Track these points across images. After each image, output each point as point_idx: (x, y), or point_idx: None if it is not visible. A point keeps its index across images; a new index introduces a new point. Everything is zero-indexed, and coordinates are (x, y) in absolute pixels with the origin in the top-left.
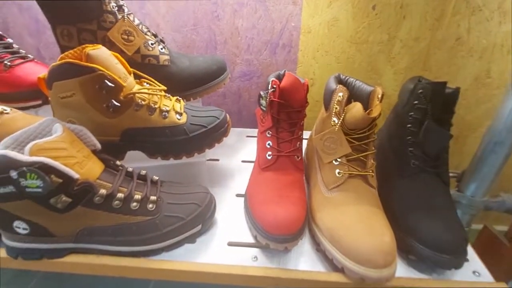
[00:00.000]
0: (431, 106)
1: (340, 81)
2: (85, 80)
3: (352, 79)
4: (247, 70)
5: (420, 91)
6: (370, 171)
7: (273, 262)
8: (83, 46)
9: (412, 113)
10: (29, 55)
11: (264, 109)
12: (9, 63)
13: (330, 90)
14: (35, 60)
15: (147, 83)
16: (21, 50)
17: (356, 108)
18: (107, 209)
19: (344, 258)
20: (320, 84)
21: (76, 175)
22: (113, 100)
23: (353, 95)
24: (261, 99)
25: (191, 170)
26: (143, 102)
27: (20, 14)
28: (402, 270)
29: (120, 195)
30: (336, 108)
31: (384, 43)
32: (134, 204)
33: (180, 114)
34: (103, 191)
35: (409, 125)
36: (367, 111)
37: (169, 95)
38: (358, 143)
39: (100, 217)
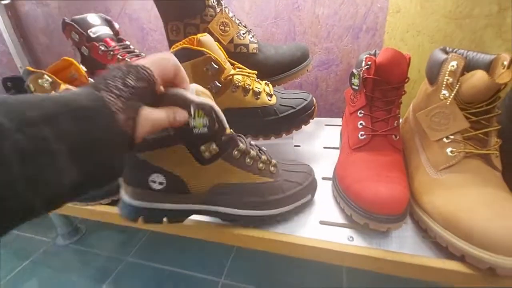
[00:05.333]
0: None
1: (447, 53)
2: (196, 63)
3: (462, 50)
4: (326, 58)
5: None
6: (494, 149)
7: (372, 244)
8: (192, 36)
9: None
10: (142, 53)
11: (357, 88)
12: (129, 60)
13: (438, 62)
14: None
15: (239, 69)
16: (136, 50)
17: (478, 76)
18: (240, 166)
19: (466, 244)
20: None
21: (227, 125)
22: (216, 81)
23: (466, 67)
24: (353, 78)
25: (279, 151)
26: (239, 84)
27: (129, 24)
28: None
29: (252, 153)
30: (448, 79)
31: (493, 15)
32: (261, 165)
33: (271, 96)
34: (242, 146)
35: None
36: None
37: (259, 79)
38: (476, 119)
39: (234, 173)
